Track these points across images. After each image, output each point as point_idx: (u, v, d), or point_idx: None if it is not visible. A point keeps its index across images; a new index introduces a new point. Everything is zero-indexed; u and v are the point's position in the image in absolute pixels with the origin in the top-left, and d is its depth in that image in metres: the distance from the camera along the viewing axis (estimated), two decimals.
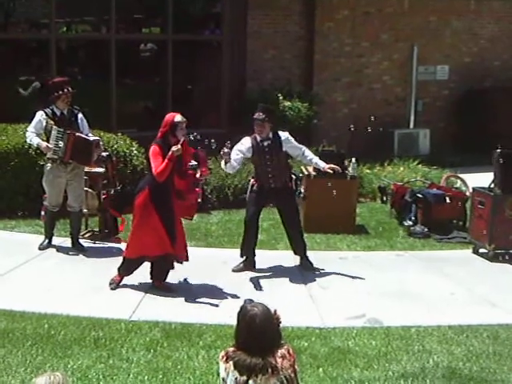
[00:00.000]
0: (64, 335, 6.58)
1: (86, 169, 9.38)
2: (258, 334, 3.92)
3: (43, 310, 7.09)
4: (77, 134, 8.77)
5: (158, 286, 7.88)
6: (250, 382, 3.89)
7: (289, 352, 3.98)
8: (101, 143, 9.18)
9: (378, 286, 8.17)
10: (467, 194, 10.88)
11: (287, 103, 13.04)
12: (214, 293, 7.79)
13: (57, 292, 7.71)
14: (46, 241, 9.15)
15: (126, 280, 7.95)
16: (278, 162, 8.30)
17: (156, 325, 6.88)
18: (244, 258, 8.61)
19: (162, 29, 14.16)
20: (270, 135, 8.28)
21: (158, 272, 7.90)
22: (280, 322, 4.01)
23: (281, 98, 13.09)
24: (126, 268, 7.87)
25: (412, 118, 14.48)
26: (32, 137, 8.85)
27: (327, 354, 6.42)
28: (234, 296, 7.60)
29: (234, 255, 9.15)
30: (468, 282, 8.40)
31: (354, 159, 10.53)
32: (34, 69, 13.69)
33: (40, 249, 9.03)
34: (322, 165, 8.50)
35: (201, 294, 7.81)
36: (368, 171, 12.19)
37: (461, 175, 12.05)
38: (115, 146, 10.85)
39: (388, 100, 14.55)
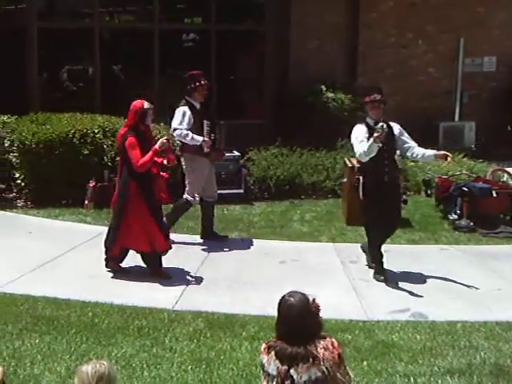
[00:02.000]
0: (108, 324, 6.61)
1: None
2: (295, 323, 3.92)
3: (87, 299, 7.14)
4: (221, 122, 8.96)
5: (153, 273, 7.89)
6: (292, 370, 3.89)
7: (333, 345, 3.95)
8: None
9: (422, 280, 8.08)
10: None
11: (330, 94, 12.93)
12: (256, 284, 7.77)
13: (101, 280, 7.75)
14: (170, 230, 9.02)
15: (169, 270, 7.96)
16: (391, 152, 7.84)
17: (199, 315, 6.88)
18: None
19: (204, 19, 14.13)
20: (382, 120, 7.71)
21: (151, 262, 7.94)
22: (319, 311, 4.00)
23: (324, 89, 12.98)
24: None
25: (457, 110, 14.28)
26: (188, 133, 8.66)
27: (371, 348, 6.36)
28: (277, 287, 7.51)
29: (276, 246, 9.14)
30: None
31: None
32: (77, 58, 13.77)
33: None
34: (433, 152, 8.05)
35: (243, 285, 7.79)
36: (412, 164, 12.03)
37: (508, 169, 11.84)
38: (158, 136, 10.83)
39: (433, 92, 14.34)
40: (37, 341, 6.19)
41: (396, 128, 7.88)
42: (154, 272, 7.89)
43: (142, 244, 7.76)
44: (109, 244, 7.87)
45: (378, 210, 7.73)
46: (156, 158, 7.86)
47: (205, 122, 8.73)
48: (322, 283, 7.78)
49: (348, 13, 13.85)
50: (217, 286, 7.74)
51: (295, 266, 8.46)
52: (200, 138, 8.67)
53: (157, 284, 7.70)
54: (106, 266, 7.99)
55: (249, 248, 9.10)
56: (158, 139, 7.87)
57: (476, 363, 6.12)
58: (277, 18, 13.56)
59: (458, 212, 10.18)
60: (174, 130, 8.74)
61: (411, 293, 7.70)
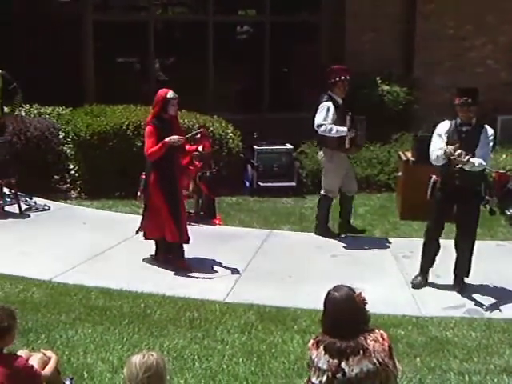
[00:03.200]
0: (160, 315, 6.64)
1: None
2: (340, 317, 3.92)
3: (140, 289, 7.17)
4: (362, 118, 8.90)
5: (178, 265, 7.89)
6: (343, 364, 3.88)
7: (382, 336, 3.94)
8: None
9: (477, 276, 7.89)
10: None
11: (385, 87, 12.77)
12: (308, 277, 7.71)
13: (153, 272, 7.79)
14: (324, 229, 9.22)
15: (221, 262, 7.98)
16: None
17: (250, 307, 6.86)
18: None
19: (258, 10, 14.09)
20: (474, 121, 7.39)
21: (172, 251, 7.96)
22: (365, 304, 3.97)
23: (379, 81, 12.83)
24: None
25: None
26: (332, 126, 8.68)
27: (424, 344, 6.28)
28: (329, 281, 7.42)
29: (328, 240, 9.07)
30: None
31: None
32: (132, 51, 13.86)
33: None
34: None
35: (295, 278, 7.74)
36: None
37: None
38: (211, 129, 10.86)
39: (492, 85, 14.03)
40: (89, 331, 6.24)
41: (487, 133, 7.33)
42: (175, 262, 7.92)
43: (154, 231, 7.88)
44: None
45: (441, 215, 7.51)
46: (189, 147, 7.98)
47: (347, 116, 8.66)
48: (375, 278, 7.69)
49: (405, 3, 13.64)
50: (268, 278, 7.71)
51: (348, 260, 8.38)
52: (344, 129, 8.66)
53: (209, 276, 7.71)
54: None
55: (300, 241, 9.05)
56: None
57: None
58: (332, 9, 13.44)
59: None
60: (319, 126, 8.72)
61: (468, 288, 7.56)
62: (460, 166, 7.05)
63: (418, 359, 5.97)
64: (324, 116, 8.68)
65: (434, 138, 7.41)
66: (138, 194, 10.17)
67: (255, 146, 11.38)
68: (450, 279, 7.79)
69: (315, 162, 11.43)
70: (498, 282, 7.79)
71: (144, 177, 8.01)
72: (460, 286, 7.60)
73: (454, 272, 7.65)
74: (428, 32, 13.60)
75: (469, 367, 5.89)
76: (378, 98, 12.63)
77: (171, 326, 6.41)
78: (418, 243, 8.61)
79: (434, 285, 7.71)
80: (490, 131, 7.36)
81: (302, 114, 13.34)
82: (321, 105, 8.76)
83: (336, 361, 3.88)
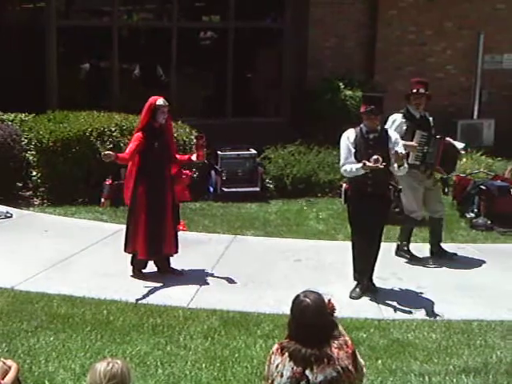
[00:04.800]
0: (123, 321, 6.64)
1: None
2: (309, 324, 3.89)
3: (102, 296, 7.16)
4: (447, 139, 8.49)
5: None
6: (307, 372, 3.86)
7: (346, 343, 3.92)
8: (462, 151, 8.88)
9: (438, 279, 8.04)
10: None
11: (348, 92, 12.89)
12: (272, 282, 7.76)
13: (116, 279, 7.77)
14: (405, 248, 8.77)
15: (184, 267, 8.00)
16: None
17: (214, 313, 6.89)
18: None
19: (222, 17, 14.13)
20: (379, 128, 7.49)
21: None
22: (334, 312, 3.97)
23: (342, 86, 12.94)
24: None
25: (476, 107, 14.16)
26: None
27: (386, 346, 6.35)
28: (292, 285, 7.52)
29: (292, 245, 9.13)
30: None
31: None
32: (96, 57, 13.81)
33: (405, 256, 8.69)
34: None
35: (259, 283, 7.78)
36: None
37: None
38: (175, 135, 10.85)
39: (452, 90, 14.25)
40: (51, 338, 6.23)
41: (392, 138, 7.46)
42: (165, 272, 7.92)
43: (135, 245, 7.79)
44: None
45: (360, 222, 7.43)
46: (180, 157, 7.96)
47: (418, 131, 8.29)
48: (338, 282, 7.76)
49: (367, 10, 13.78)
50: (232, 284, 7.75)
51: (311, 264, 8.45)
52: (408, 143, 8.13)
53: (172, 282, 7.71)
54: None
55: (264, 246, 9.09)
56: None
57: (492, 362, 6.10)
58: (295, 15, 13.51)
59: (476, 210, 10.14)
60: None
61: (428, 291, 7.66)
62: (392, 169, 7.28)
63: (379, 362, 6.04)
64: (389, 126, 8.23)
65: (343, 150, 7.38)
66: (102, 200, 10.19)
67: (219, 152, 11.42)
68: (412, 282, 7.90)
69: (279, 167, 11.52)
70: (458, 283, 7.91)
71: (127, 185, 7.93)
72: (367, 287, 7.62)
73: (360, 273, 7.65)
74: (389, 38, 13.76)
75: (429, 368, 5.98)
76: (341, 103, 12.74)
77: (134, 332, 6.41)
78: (384, 247, 8.66)
79: (395, 287, 7.80)
80: (394, 135, 7.51)
81: (265, 118, 13.49)
82: (393, 115, 8.44)
83: (300, 368, 3.87)
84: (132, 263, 7.91)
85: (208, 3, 14.50)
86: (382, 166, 7.04)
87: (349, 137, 7.41)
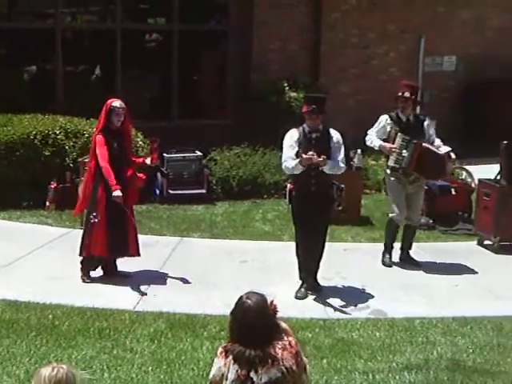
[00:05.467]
0: (68, 326, 6.61)
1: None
2: (251, 325, 3.88)
3: (48, 301, 7.11)
4: (424, 144, 8.22)
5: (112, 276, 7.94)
6: (251, 374, 3.87)
7: (290, 344, 3.95)
8: (452, 155, 8.49)
9: (382, 278, 8.18)
10: (473, 185, 10.84)
11: (293, 94, 13.00)
12: (218, 284, 7.80)
13: (62, 283, 7.72)
14: (388, 256, 8.65)
15: (131, 270, 7.99)
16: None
17: (160, 315, 6.90)
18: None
19: (167, 19, 14.13)
20: (321, 127, 7.57)
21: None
22: (276, 313, 3.95)
23: (287, 88, 13.05)
24: None
25: (418, 109, 14.40)
26: (373, 139, 8.41)
27: (331, 346, 6.44)
28: (238, 287, 7.56)
29: (238, 246, 9.19)
30: (472, 274, 8.40)
31: (359, 150, 10.52)
32: (39, 58, 13.68)
33: (386, 265, 8.58)
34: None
35: (205, 285, 7.82)
36: (373, 162, 12.15)
37: (467, 167, 11.99)
38: None
39: (395, 92, 14.44)
40: None
41: (334, 138, 7.57)
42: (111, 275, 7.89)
43: (98, 248, 7.76)
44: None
45: (304, 222, 7.53)
46: (135, 159, 8.00)
47: (399, 135, 8.22)
48: (283, 282, 7.83)
49: (311, 13, 13.92)
50: (178, 286, 7.77)
51: (257, 265, 8.52)
52: (387, 145, 8.28)
53: (118, 285, 7.69)
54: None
55: (211, 248, 9.13)
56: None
57: (433, 358, 6.24)
58: (240, 17, 13.59)
59: None
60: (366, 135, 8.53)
61: (371, 290, 7.79)
62: (321, 169, 7.28)
63: (324, 361, 6.13)
64: (377, 128, 8.42)
65: (286, 148, 7.50)
66: (47, 204, 10.11)
67: (165, 154, 11.41)
68: (356, 281, 8.02)
69: (224, 169, 11.57)
70: (401, 282, 8.06)
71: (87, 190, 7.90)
72: (312, 287, 7.71)
73: (305, 272, 7.70)
74: (333, 40, 13.93)
75: (373, 366, 6.08)
76: (286, 105, 12.84)
77: (80, 336, 6.39)
78: (327, 247, 8.79)
79: (340, 287, 7.91)
80: (337, 135, 7.59)
81: (210, 120, 13.52)
82: (381, 116, 8.50)
83: (245, 371, 3.87)
84: (82, 266, 7.86)
85: (153, 5, 14.47)
86: (320, 159, 7.17)
87: (292, 136, 7.52)
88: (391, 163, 8.32)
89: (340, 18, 13.99)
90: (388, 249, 8.69)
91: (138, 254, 7.91)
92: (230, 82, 13.81)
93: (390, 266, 8.55)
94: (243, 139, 12.09)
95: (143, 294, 7.51)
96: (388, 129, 8.35)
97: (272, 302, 3.96)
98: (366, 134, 8.51)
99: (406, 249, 8.75)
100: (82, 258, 7.84)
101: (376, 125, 8.44)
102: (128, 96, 13.20)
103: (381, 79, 14.18)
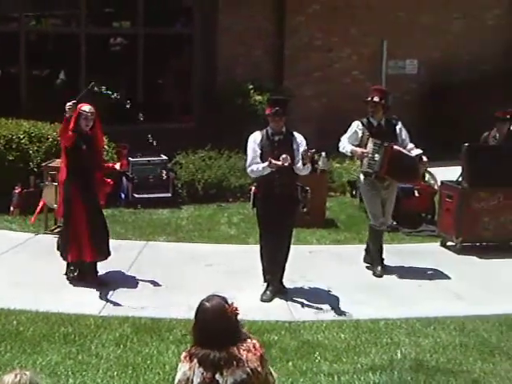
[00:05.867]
0: (33, 331, 6.57)
1: (55, 163, 9.36)
2: (211, 328, 3.90)
3: (12, 306, 7.06)
4: (395, 147, 8.17)
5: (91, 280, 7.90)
6: (217, 376, 3.88)
7: (254, 346, 3.97)
8: (424, 158, 8.33)
9: (347, 280, 8.24)
10: (436, 187, 10.97)
11: (258, 97, 13.05)
12: (183, 287, 7.80)
13: (26, 288, 7.67)
14: (379, 267, 8.47)
15: (96, 275, 7.95)
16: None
17: (126, 320, 6.89)
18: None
19: (132, 23, 14.09)
20: (284, 130, 7.62)
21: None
22: (237, 314, 3.96)
23: (252, 91, 13.10)
24: None
25: (381, 111, 14.54)
26: (345, 145, 8.34)
27: (297, 348, 6.47)
28: (203, 290, 7.54)
29: (204, 250, 9.21)
30: (436, 275, 8.50)
31: (323, 153, 10.60)
32: (2, 62, 13.55)
33: (376, 275, 8.42)
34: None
35: (170, 288, 7.83)
36: (338, 165, 12.26)
37: (429, 169, 12.12)
38: None
39: (358, 94, 14.56)
40: None
41: (297, 140, 7.61)
42: (91, 280, 7.86)
43: (76, 253, 7.75)
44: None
45: (269, 224, 7.54)
46: (106, 164, 8.03)
47: (370, 139, 8.19)
48: (249, 285, 7.87)
49: (275, 17, 14.00)
50: (144, 290, 7.76)
51: (222, 268, 8.53)
52: (358, 150, 8.27)
53: (83, 290, 7.67)
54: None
55: (176, 252, 9.14)
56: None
57: (397, 359, 6.30)
58: (204, 22, 13.61)
59: None
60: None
61: (336, 292, 7.84)
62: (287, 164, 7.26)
63: (290, 363, 6.16)
64: (349, 134, 8.39)
65: (249, 151, 7.54)
66: (11, 209, 10.03)
67: (130, 158, 11.38)
68: (321, 283, 8.08)
69: (190, 173, 11.57)
70: (365, 284, 8.14)
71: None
72: (278, 289, 7.72)
73: (270, 275, 7.72)
74: (296, 44, 14.02)
75: (338, 368, 6.12)
76: (251, 108, 12.89)
77: (45, 342, 6.35)
78: (292, 250, 8.83)
79: (305, 289, 7.96)
80: (300, 137, 7.63)
81: (175, 124, 13.51)
82: (353, 122, 8.48)
83: (210, 373, 3.88)
84: (69, 270, 7.89)
85: (117, 9, 14.42)
86: (286, 164, 7.22)
87: (255, 139, 7.56)
88: (364, 168, 8.33)
89: (303, 22, 14.08)
90: (376, 260, 8.55)
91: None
92: (195, 86, 13.83)
93: (381, 277, 8.40)
94: (208, 143, 12.11)
95: (108, 299, 7.50)
96: (360, 134, 8.33)
97: (231, 304, 3.98)
98: (338, 141, 8.46)
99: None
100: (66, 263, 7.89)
101: (348, 131, 8.44)
102: (92, 100, 13.19)
103: (344, 82, 14.31)
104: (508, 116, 9.75)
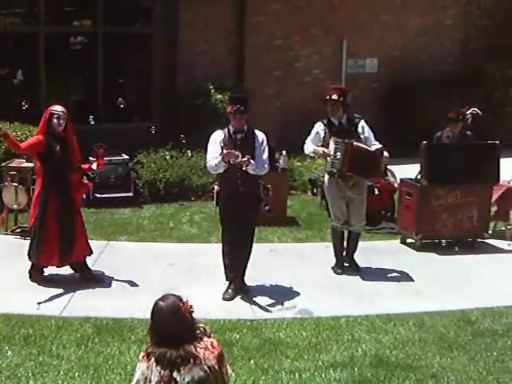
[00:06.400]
0: None
1: (14, 163, 9.28)
2: (166, 326, 3.93)
3: None
4: (355, 143, 8.10)
5: (85, 278, 7.91)
6: (174, 374, 3.91)
7: (212, 344, 4.01)
8: (385, 153, 8.22)
9: (308, 277, 8.28)
10: (395, 185, 11.08)
11: (219, 96, 13.07)
12: (145, 287, 7.79)
13: None
14: (340, 265, 8.57)
15: (56, 275, 7.92)
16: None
17: (87, 320, 6.87)
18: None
19: (93, 21, 14.01)
20: (245, 128, 7.65)
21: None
22: (191, 312, 3.99)
23: (212, 90, 13.12)
24: None
25: (341, 110, 14.64)
26: (309, 146, 8.35)
27: (258, 346, 6.50)
28: (165, 290, 7.56)
29: (166, 249, 9.20)
30: (395, 272, 8.59)
31: (284, 152, 10.65)
32: None
33: (337, 273, 8.49)
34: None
35: (133, 288, 7.81)
36: (299, 164, 12.33)
37: (389, 167, 12.24)
38: None
39: (319, 93, 14.62)
40: None
41: (259, 138, 7.64)
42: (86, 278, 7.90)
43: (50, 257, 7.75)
44: None
45: (232, 222, 7.57)
46: (81, 165, 7.96)
47: (332, 138, 8.16)
48: (211, 284, 7.88)
49: (235, 15, 14.02)
50: (105, 290, 7.74)
51: (184, 267, 8.54)
52: (320, 150, 8.27)
53: (44, 291, 7.61)
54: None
55: (138, 251, 9.12)
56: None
57: (358, 355, 6.37)
58: (164, 20, 13.58)
59: None
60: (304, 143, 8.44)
61: (298, 290, 7.90)
62: (244, 169, 7.30)
63: (252, 361, 6.19)
64: (312, 136, 8.37)
65: (210, 147, 7.57)
66: None
67: (91, 158, 11.30)
68: (283, 281, 8.12)
69: (151, 172, 11.55)
70: (327, 281, 8.21)
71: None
72: (240, 287, 7.77)
73: (233, 273, 7.74)
74: (257, 43, 14.06)
75: (299, 365, 6.17)
76: (212, 107, 12.90)
77: (5, 344, 6.31)
78: (254, 248, 8.89)
79: (267, 287, 8.00)
80: (261, 136, 7.66)
81: (136, 123, 13.48)
82: (315, 124, 8.47)
83: (168, 371, 3.90)
84: (37, 270, 7.88)
85: (78, 8, 14.32)
86: (244, 159, 7.23)
87: (216, 137, 7.59)
88: (328, 168, 8.31)
89: (264, 20, 14.13)
90: (338, 259, 8.61)
91: (90, 253, 8.07)
92: (156, 85, 13.79)
93: (341, 274, 8.48)
94: (170, 142, 12.09)
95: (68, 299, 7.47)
96: (322, 135, 8.31)
97: (186, 302, 4.01)
98: (303, 143, 8.48)
99: (349, 256, 8.72)
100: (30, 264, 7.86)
101: (311, 133, 8.44)
102: (52, 99, 13.08)
103: (305, 81, 14.39)
104: (460, 117, 9.88)
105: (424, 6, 15.39)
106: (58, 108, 7.66)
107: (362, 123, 8.42)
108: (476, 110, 10.15)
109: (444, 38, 15.57)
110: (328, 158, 8.24)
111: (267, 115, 13.37)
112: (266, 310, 7.40)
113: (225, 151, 7.28)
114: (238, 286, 7.75)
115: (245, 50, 14.02)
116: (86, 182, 8.19)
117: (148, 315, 6.67)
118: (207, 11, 13.61)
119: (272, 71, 14.23)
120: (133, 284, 7.92)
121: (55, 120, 7.59)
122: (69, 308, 7.23)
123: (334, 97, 8.28)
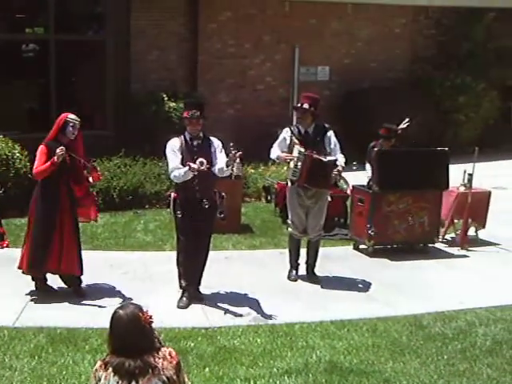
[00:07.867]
0: None
1: None
2: (125, 336, 3.91)
3: None
4: (315, 156, 8.04)
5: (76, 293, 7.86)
6: None
7: (170, 354, 4.01)
8: (338, 164, 8.16)
9: (263, 284, 8.32)
10: (348, 191, 11.19)
11: (172, 104, 13.08)
12: (99, 296, 7.75)
13: None
14: (294, 271, 8.58)
15: (9, 286, 7.82)
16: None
17: (41, 330, 6.81)
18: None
19: (45, 29, 13.91)
20: (201, 134, 7.67)
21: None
22: (151, 323, 3.98)
23: (166, 98, 13.11)
24: None
25: (295, 118, 14.77)
26: (274, 151, 8.29)
27: (213, 354, 6.51)
28: (120, 299, 7.59)
29: (120, 257, 9.17)
30: (349, 278, 8.69)
31: (238, 159, 10.66)
32: None
33: (291, 280, 8.51)
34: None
35: (87, 297, 7.77)
36: (253, 171, 12.39)
37: (342, 174, 12.36)
38: None
39: (271, 101, 14.80)
40: None
41: (215, 144, 7.66)
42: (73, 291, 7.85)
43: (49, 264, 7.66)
44: None
45: (188, 229, 7.57)
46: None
47: (296, 147, 8.13)
48: (166, 292, 7.88)
49: (188, 23, 14.05)
50: (59, 299, 7.67)
51: (138, 276, 8.52)
52: (282, 155, 8.22)
53: None
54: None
55: (92, 260, 9.05)
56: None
57: (312, 362, 6.41)
58: (116, 27, 13.55)
59: None
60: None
61: (252, 297, 7.94)
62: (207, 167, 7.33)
63: (207, 369, 6.19)
64: (278, 141, 8.36)
65: (171, 156, 7.55)
66: None
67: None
68: (237, 289, 8.15)
69: (105, 180, 11.47)
70: (281, 288, 8.26)
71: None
72: (194, 295, 7.77)
73: (188, 281, 7.73)
74: (210, 51, 14.12)
75: (254, 372, 6.19)
76: (166, 115, 12.91)
77: None
78: (209, 255, 8.92)
79: (222, 294, 8.02)
80: (217, 141, 7.68)
81: (90, 131, 13.34)
82: (284, 129, 8.47)
83: (126, 382, 3.89)
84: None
85: (30, 15, 14.21)
86: (205, 168, 7.28)
87: (174, 145, 7.58)
88: (289, 176, 8.36)
89: (216, 28, 14.20)
90: (292, 266, 8.66)
91: (80, 273, 7.89)
92: (109, 92, 13.75)
93: (295, 281, 8.53)
94: (123, 150, 12.05)
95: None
96: (288, 141, 8.31)
97: (146, 311, 4.00)
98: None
99: (309, 265, 8.70)
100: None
101: (279, 137, 8.45)
102: (4, 107, 12.96)
103: (258, 88, 14.48)
104: (391, 134, 10.00)
105: (374, 15, 15.61)
106: (72, 116, 7.54)
107: (330, 133, 8.38)
108: (406, 122, 10.22)
109: (393, 46, 15.81)
110: (290, 166, 8.29)
111: (221, 122, 13.41)
112: (221, 318, 7.41)
113: (192, 164, 7.26)
114: (192, 294, 7.75)
115: (198, 58, 14.05)
116: (93, 193, 8.03)
117: (102, 324, 6.73)
118: (160, 19, 13.62)
119: (225, 79, 14.28)
120: (87, 293, 7.87)
121: (70, 128, 7.49)
122: (22, 318, 7.15)
123: (305, 106, 8.27)
